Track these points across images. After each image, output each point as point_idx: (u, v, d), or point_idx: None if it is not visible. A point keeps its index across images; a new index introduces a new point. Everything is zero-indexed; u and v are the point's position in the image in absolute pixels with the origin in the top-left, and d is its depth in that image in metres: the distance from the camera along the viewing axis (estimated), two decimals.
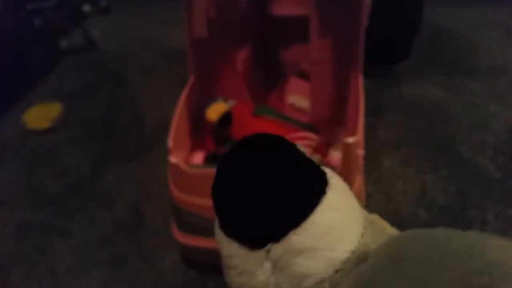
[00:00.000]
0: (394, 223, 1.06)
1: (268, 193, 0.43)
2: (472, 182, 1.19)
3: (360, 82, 1.04)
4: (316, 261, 0.43)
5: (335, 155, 1.09)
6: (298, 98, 1.25)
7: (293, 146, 0.47)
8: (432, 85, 1.54)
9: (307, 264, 0.43)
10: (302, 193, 0.42)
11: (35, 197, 1.28)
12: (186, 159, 1.08)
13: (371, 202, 1.14)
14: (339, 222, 0.43)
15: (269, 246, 0.42)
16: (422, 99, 1.49)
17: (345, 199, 0.45)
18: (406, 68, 1.60)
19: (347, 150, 0.84)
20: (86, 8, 1.99)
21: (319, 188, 0.43)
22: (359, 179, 0.93)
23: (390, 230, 0.48)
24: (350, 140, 0.84)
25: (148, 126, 1.48)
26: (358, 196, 0.91)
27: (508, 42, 1.71)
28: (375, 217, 0.48)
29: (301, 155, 0.46)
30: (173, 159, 0.92)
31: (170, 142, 0.94)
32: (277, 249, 0.42)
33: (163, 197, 1.19)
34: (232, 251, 0.45)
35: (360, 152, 0.91)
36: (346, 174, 0.86)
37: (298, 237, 0.42)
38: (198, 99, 1.14)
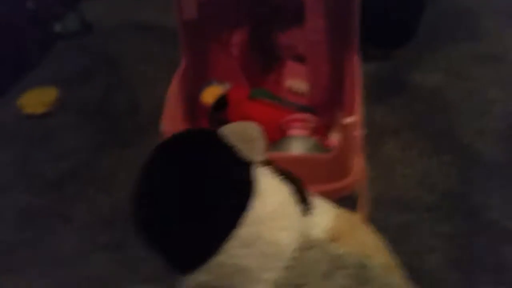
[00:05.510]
0: (397, 207, 1.06)
1: (176, 224, 0.40)
2: (473, 167, 1.18)
3: (356, 62, 1.03)
4: None
5: (335, 137, 1.08)
6: (295, 81, 1.23)
7: (218, 156, 0.43)
8: (432, 69, 1.52)
9: None
10: (208, 231, 0.39)
11: (33, 182, 1.27)
12: None
13: (373, 186, 1.12)
14: (251, 260, 0.39)
15: (181, 275, 0.41)
16: (422, 83, 1.47)
17: (270, 220, 0.41)
18: (405, 52, 1.58)
19: (345, 131, 0.83)
20: None
21: (230, 221, 0.39)
22: (359, 160, 0.91)
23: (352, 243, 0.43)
24: (348, 120, 0.82)
25: (144, 110, 1.46)
26: (359, 178, 0.91)
27: (509, 29, 1.68)
28: (331, 231, 0.43)
29: (226, 167, 0.42)
30: None
31: (163, 126, 0.92)
32: (187, 280, 0.41)
33: None
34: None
35: (359, 132, 0.89)
36: (344, 156, 0.85)
37: (203, 276, 0.39)
38: (193, 82, 1.12)
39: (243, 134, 0.44)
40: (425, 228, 1.04)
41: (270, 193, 0.41)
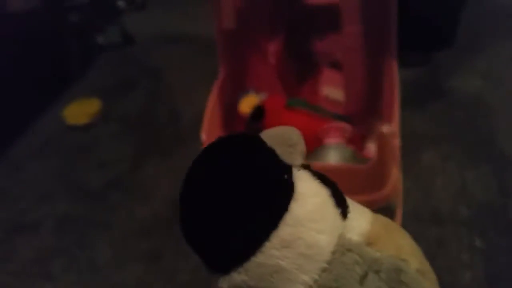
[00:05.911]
0: (433, 220, 1.04)
1: (215, 224, 0.41)
2: None
3: (394, 70, 1.01)
4: None
5: (371, 147, 1.07)
6: (333, 89, 1.23)
7: (259, 159, 0.43)
8: (472, 74, 1.49)
9: None
10: (249, 231, 0.40)
11: (75, 191, 1.31)
12: None
13: (410, 198, 1.11)
14: (289, 261, 0.39)
15: (218, 275, 0.41)
16: (462, 89, 1.45)
17: (309, 221, 0.41)
18: (444, 57, 1.56)
19: (383, 140, 0.82)
20: (121, 4, 2.01)
21: (270, 222, 0.40)
22: (395, 171, 0.90)
23: (389, 249, 0.43)
24: (385, 129, 0.81)
25: (185, 120, 1.49)
26: (394, 189, 0.90)
27: None
28: (368, 233, 0.43)
29: (266, 169, 0.42)
30: None
31: (203, 136, 0.94)
32: (224, 281, 0.41)
33: None
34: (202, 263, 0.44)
35: (396, 142, 0.88)
36: (381, 166, 0.84)
37: (240, 276, 0.40)
38: (230, 92, 1.14)
39: (284, 139, 0.45)
40: (460, 242, 1.02)
41: (310, 195, 0.41)
